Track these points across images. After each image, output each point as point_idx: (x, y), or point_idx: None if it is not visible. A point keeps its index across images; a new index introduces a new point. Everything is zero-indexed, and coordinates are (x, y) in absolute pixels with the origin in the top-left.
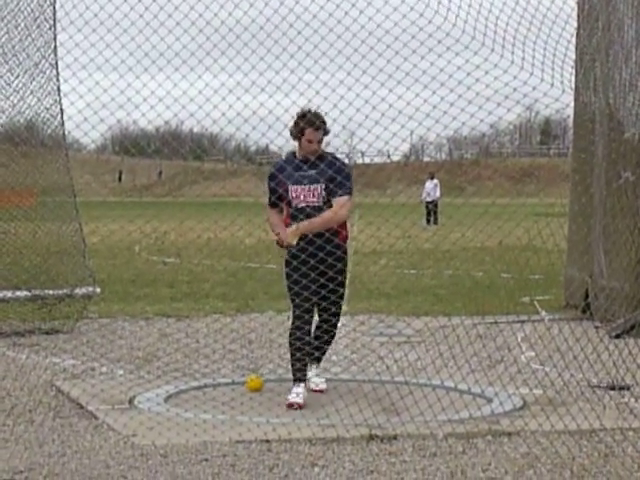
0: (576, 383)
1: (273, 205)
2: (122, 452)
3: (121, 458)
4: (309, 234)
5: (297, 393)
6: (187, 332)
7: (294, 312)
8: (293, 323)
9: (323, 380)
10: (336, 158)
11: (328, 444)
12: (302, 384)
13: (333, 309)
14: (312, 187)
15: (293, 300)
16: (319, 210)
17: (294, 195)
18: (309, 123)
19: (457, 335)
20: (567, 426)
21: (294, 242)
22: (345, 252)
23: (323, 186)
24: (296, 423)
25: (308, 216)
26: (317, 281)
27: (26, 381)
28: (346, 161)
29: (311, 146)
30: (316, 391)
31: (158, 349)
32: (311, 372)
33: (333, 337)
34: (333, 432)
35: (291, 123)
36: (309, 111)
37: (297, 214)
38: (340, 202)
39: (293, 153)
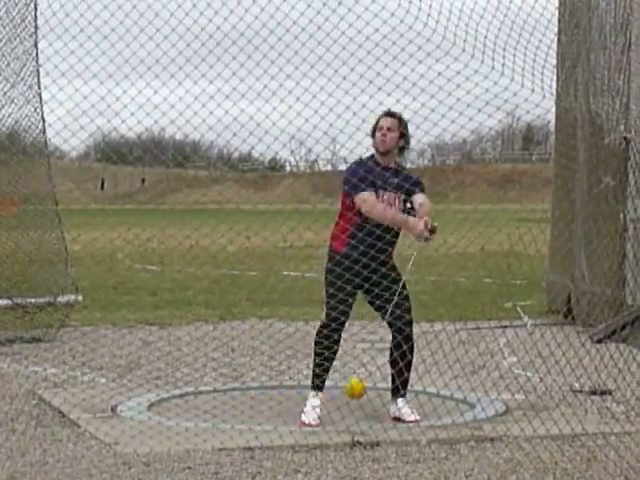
0: (558, 388)
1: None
2: (104, 460)
3: (103, 466)
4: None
5: (313, 406)
6: (169, 340)
7: (328, 315)
8: (324, 326)
9: (413, 411)
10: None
11: (311, 451)
12: (320, 394)
13: (400, 324)
14: (396, 195)
15: (329, 302)
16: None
17: (380, 200)
18: (385, 113)
19: (440, 341)
20: (549, 431)
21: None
22: (393, 268)
23: (402, 196)
24: (278, 430)
25: (378, 226)
26: (358, 289)
27: (7, 390)
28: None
29: (380, 135)
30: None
31: (140, 357)
32: (398, 405)
33: (409, 360)
34: (316, 439)
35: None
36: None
37: (365, 224)
38: (427, 200)
39: (370, 157)
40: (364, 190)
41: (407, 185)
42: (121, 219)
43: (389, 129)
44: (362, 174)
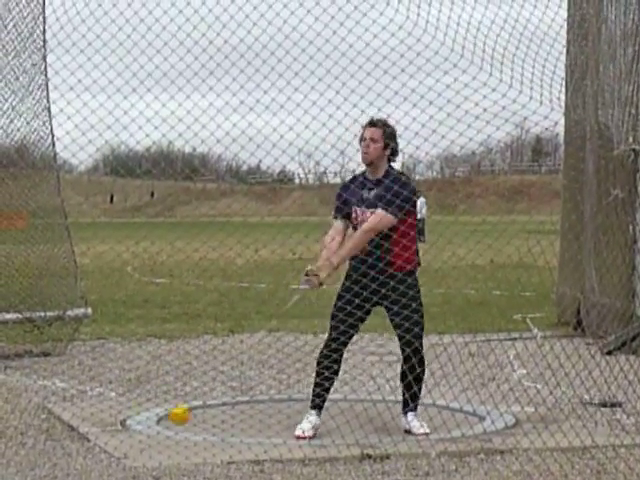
0: (568, 400)
1: (336, 218)
2: (114, 474)
3: None
4: (360, 266)
5: (309, 421)
6: (178, 354)
7: (330, 334)
8: (327, 345)
9: (423, 424)
10: (397, 179)
11: (321, 464)
12: (314, 412)
13: (408, 337)
14: (370, 212)
15: (333, 318)
16: (378, 236)
17: (354, 216)
18: (368, 123)
19: (449, 353)
20: (559, 443)
21: (323, 275)
22: (401, 282)
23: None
24: (288, 444)
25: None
26: (362, 308)
27: (17, 404)
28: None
29: (363, 147)
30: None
31: (150, 371)
32: (408, 418)
33: (420, 375)
34: (326, 452)
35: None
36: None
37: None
38: (373, 216)
39: (363, 172)
40: (335, 217)
41: (373, 199)
42: (130, 232)
43: (372, 140)
44: (338, 195)
